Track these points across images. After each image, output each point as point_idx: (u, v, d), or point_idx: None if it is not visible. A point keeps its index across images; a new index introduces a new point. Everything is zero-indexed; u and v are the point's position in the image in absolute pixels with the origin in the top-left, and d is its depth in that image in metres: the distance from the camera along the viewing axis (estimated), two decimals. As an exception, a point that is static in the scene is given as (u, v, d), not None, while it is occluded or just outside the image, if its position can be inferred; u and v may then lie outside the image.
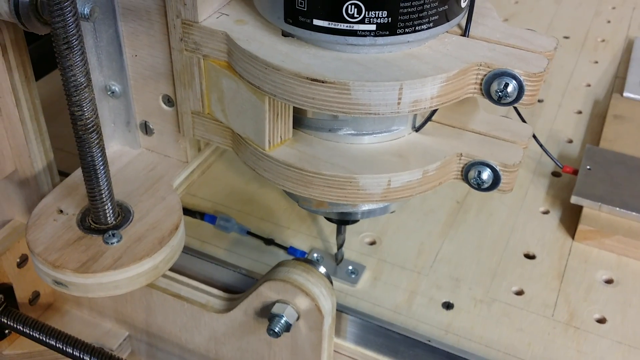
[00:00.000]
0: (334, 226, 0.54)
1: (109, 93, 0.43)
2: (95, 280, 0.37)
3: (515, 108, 0.41)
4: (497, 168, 0.37)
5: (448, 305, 0.49)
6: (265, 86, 0.35)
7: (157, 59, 0.40)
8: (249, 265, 0.51)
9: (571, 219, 0.55)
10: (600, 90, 0.71)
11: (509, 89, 0.34)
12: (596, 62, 0.75)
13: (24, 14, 0.36)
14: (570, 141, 0.64)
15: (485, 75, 0.35)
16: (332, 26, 0.34)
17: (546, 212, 0.56)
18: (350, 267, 0.51)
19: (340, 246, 0.50)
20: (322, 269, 0.43)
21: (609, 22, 0.83)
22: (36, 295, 0.49)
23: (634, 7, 0.86)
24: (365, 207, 0.42)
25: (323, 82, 0.33)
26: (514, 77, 0.34)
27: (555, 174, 0.60)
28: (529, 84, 0.34)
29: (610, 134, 0.62)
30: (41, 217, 0.40)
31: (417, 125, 0.39)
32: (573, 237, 0.53)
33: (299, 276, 0.42)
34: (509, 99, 0.35)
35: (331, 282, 0.43)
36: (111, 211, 0.39)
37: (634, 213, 0.52)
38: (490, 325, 0.47)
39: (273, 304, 0.42)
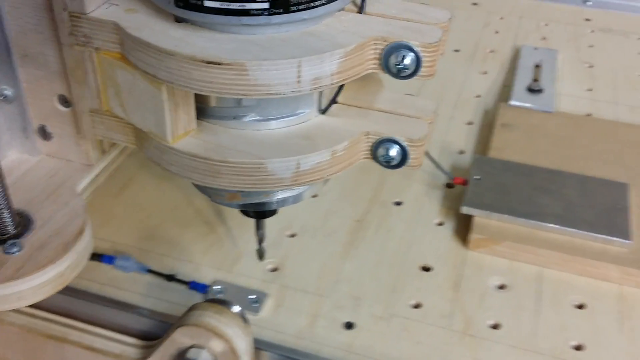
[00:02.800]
0: (237, 256, 0.54)
1: (1, 98, 0.40)
2: None
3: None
4: (404, 144, 0.38)
5: (349, 325, 0.49)
6: (161, 74, 0.34)
7: (48, 57, 0.39)
8: (153, 304, 0.50)
9: (464, 228, 0.57)
10: (490, 100, 0.74)
11: (407, 61, 0.35)
12: (485, 73, 0.79)
13: None
14: (463, 152, 0.67)
15: (382, 49, 0.35)
16: (225, 7, 0.33)
17: (441, 224, 0.58)
18: (251, 296, 0.51)
19: (260, 241, 0.49)
20: (236, 308, 0.43)
21: (497, 32, 0.87)
22: None
23: (520, 16, 0.91)
24: (280, 195, 0.42)
25: (219, 64, 0.33)
26: (411, 49, 0.35)
27: (448, 186, 0.62)
28: (426, 54, 0.35)
29: (498, 143, 0.65)
30: None
31: (322, 107, 0.39)
32: (467, 246, 0.56)
33: (211, 319, 0.41)
34: (408, 71, 0.35)
35: (246, 320, 0.43)
36: (9, 220, 0.37)
37: (521, 219, 0.55)
38: (391, 341, 0.48)
39: (188, 349, 0.41)
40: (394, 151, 0.38)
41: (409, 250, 0.56)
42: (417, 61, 0.35)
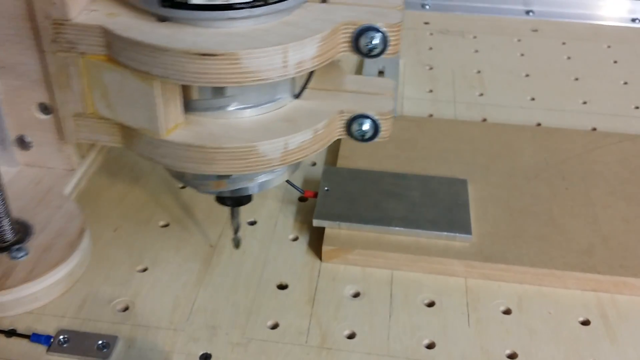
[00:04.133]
0: (82, 300, 0.51)
1: None
2: (11, 296, 0.36)
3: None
4: (375, 118, 0.42)
5: (205, 357, 0.48)
6: (155, 70, 0.36)
7: (27, 67, 0.40)
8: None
9: (318, 241, 0.57)
10: (338, 109, 0.75)
11: (375, 41, 0.39)
12: (333, 82, 0.80)
13: None
14: (314, 164, 0.67)
15: (352, 32, 0.39)
16: (210, 2, 0.36)
17: (295, 239, 0.59)
18: (100, 342, 0.48)
19: (236, 231, 0.51)
20: None
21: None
22: None
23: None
24: (260, 180, 0.45)
25: (214, 56, 0.35)
26: (378, 30, 0.39)
27: (302, 199, 0.62)
28: (392, 34, 0.39)
29: (346, 151, 0.66)
30: None
31: (296, 92, 0.42)
32: (321, 258, 0.56)
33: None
34: (377, 50, 0.40)
35: None
36: (9, 227, 0.38)
37: (369, 225, 0.56)
38: (248, 366, 0.48)
39: None
40: (366, 125, 0.42)
41: (264, 269, 0.55)
42: (385, 41, 0.39)
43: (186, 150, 0.39)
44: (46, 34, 0.38)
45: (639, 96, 0.79)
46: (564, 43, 0.90)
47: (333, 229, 0.56)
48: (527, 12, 0.97)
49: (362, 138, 0.43)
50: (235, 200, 0.47)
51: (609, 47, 0.90)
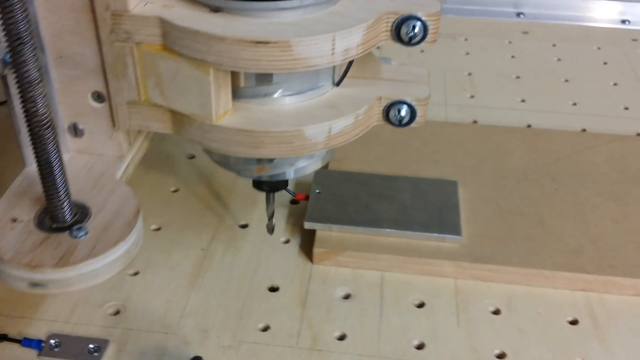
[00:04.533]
0: (74, 304, 0.52)
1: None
2: (76, 271, 0.38)
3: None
4: (413, 103, 0.44)
5: (197, 361, 0.48)
6: (210, 58, 0.38)
7: (85, 57, 0.41)
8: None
9: (309, 244, 0.57)
10: (329, 112, 0.76)
11: (416, 29, 0.41)
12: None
13: None
14: (306, 166, 0.67)
15: (394, 21, 0.41)
16: None
17: (287, 242, 0.59)
18: (91, 346, 0.48)
19: (270, 217, 0.54)
20: None
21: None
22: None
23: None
24: (299, 165, 0.47)
25: (267, 43, 0.37)
26: (419, 19, 0.41)
27: (293, 202, 0.63)
28: (431, 23, 0.41)
29: (338, 154, 0.66)
30: (-5, 228, 0.40)
31: (336, 80, 0.44)
32: (312, 261, 0.56)
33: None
34: (418, 38, 0.42)
35: None
36: (69, 208, 0.40)
37: (360, 227, 0.57)
38: (239, 369, 0.48)
39: None
40: (404, 111, 0.44)
41: (255, 272, 0.56)
42: (425, 29, 0.41)
43: (236, 135, 0.41)
44: (105, 25, 0.40)
45: (628, 97, 0.80)
46: (554, 45, 0.91)
47: (324, 232, 0.57)
48: (518, 15, 0.97)
49: (400, 123, 0.45)
50: (272, 186, 0.50)
51: (598, 48, 0.90)
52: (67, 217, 0.40)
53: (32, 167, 0.43)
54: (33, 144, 0.38)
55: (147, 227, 0.60)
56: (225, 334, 0.50)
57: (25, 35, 0.35)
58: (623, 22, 0.96)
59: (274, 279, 0.55)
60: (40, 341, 0.49)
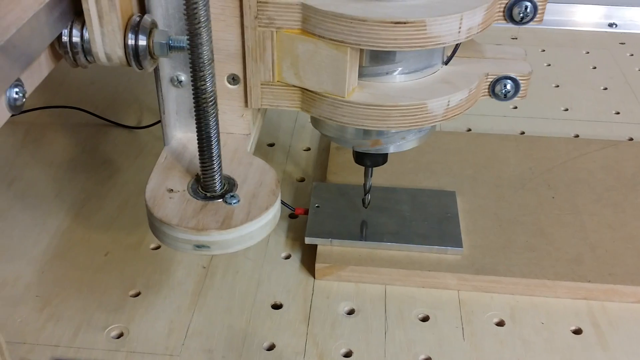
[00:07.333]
0: (76, 328, 0.51)
1: (175, 84, 0.46)
2: (236, 234, 0.41)
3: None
4: (517, 78, 0.48)
5: (203, 382, 0.48)
6: (350, 38, 0.42)
7: (227, 42, 0.45)
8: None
9: (310, 258, 0.57)
10: (324, 123, 0.75)
11: (528, 9, 0.45)
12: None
13: (143, 57, 0.40)
14: (302, 180, 0.67)
15: (506, 3, 0.45)
16: None
17: (288, 257, 0.59)
18: (94, 372, 0.48)
19: (367, 191, 0.57)
20: None
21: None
22: None
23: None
24: (399, 142, 0.51)
25: (404, 23, 0.41)
26: (530, 0, 0.45)
27: (292, 216, 0.62)
28: (540, 4, 0.45)
29: (334, 167, 0.66)
30: (156, 198, 0.43)
31: (445, 59, 0.48)
32: (314, 276, 0.56)
33: None
34: (528, 18, 0.46)
35: None
36: (220, 179, 0.43)
37: (360, 242, 0.56)
38: (246, 390, 0.47)
39: None
40: (509, 85, 0.48)
41: (258, 289, 0.55)
42: (534, 9, 0.45)
43: (365, 109, 0.45)
44: (249, 11, 0.43)
45: (619, 102, 0.81)
46: (543, 50, 0.92)
47: (325, 246, 0.57)
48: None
49: (505, 97, 0.49)
50: (374, 160, 0.54)
51: (587, 52, 0.91)
52: (218, 187, 0.44)
53: (171, 144, 0.48)
54: (197, 119, 0.41)
55: (146, 247, 0.59)
56: (231, 354, 0.50)
57: (204, 19, 0.38)
58: (610, 25, 0.97)
59: (276, 295, 0.55)
60: (43, 367, 0.48)
